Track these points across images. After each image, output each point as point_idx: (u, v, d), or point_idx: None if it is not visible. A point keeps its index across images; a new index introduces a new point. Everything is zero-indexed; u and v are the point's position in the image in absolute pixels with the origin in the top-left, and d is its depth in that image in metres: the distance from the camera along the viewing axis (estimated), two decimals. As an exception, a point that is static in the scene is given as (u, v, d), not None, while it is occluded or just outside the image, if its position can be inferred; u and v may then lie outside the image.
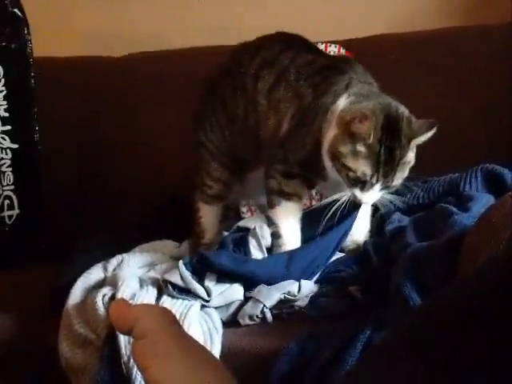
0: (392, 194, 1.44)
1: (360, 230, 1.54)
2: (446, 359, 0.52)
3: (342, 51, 2.05)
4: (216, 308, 1.34)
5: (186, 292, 1.32)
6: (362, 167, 1.36)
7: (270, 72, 1.55)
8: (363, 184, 1.38)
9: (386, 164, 1.36)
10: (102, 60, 2.25)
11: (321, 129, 1.43)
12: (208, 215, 1.65)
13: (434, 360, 0.53)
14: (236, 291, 1.35)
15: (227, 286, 1.35)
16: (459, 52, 1.98)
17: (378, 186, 1.38)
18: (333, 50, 2.04)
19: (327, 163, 1.41)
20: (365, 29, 2.11)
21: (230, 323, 1.32)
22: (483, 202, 1.39)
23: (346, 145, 1.37)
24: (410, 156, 1.40)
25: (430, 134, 1.40)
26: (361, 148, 1.36)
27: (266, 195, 1.54)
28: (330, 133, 1.40)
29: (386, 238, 1.42)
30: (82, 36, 2.45)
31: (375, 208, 1.56)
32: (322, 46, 2.04)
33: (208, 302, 1.33)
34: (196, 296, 1.32)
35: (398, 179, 1.39)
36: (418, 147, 1.43)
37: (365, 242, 1.50)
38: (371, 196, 1.39)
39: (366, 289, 1.31)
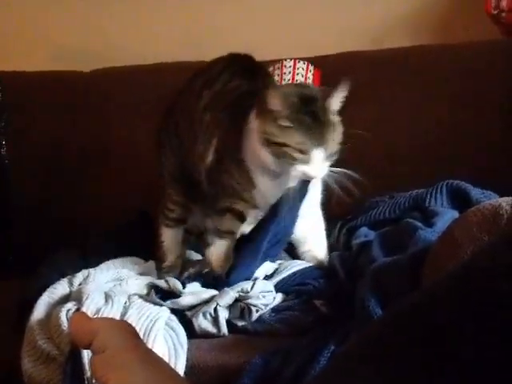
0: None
1: (318, 246, 1.57)
2: (403, 369, 0.53)
3: (311, 68, 2.06)
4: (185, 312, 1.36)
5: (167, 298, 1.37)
6: (295, 138, 1.37)
7: (208, 93, 1.58)
8: (306, 158, 1.38)
9: (313, 128, 1.38)
10: (73, 74, 2.24)
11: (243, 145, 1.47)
12: (169, 239, 1.66)
13: (391, 370, 0.53)
14: (207, 293, 1.39)
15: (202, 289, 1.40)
16: (432, 69, 1.99)
17: (319, 155, 1.38)
18: (301, 66, 2.06)
19: (265, 157, 1.42)
20: (333, 46, 2.13)
21: (195, 338, 1.32)
22: (448, 217, 1.41)
23: (270, 124, 1.39)
24: (335, 119, 1.42)
25: (342, 93, 1.42)
26: (284, 122, 1.38)
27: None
28: (254, 126, 1.43)
29: (353, 252, 1.43)
30: (53, 50, 2.44)
31: (342, 224, 1.57)
32: (290, 63, 2.06)
33: (180, 296, 1.36)
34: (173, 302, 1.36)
35: (334, 142, 1.40)
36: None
37: (331, 256, 1.51)
38: (318, 168, 1.39)
39: (331, 303, 1.32)
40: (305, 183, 1.47)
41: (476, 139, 1.87)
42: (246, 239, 1.53)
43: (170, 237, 1.66)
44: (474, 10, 2.17)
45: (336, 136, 1.41)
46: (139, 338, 0.70)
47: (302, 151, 1.37)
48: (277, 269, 1.52)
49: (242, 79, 1.59)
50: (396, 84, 2.01)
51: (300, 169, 1.39)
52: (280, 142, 1.38)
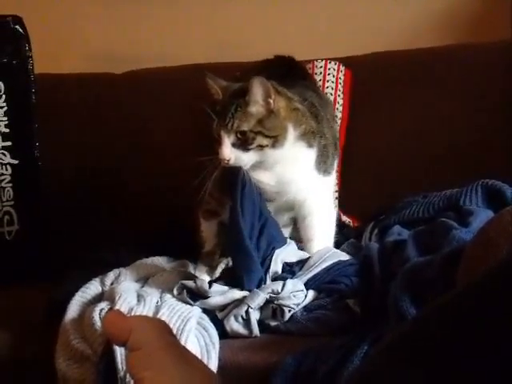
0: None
1: (317, 241, 1.57)
2: (438, 368, 0.52)
3: (342, 68, 2.06)
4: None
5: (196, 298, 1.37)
6: (213, 114, 1.46)
7: None
8: (219, 141, 1.45)
9: (222, 111, 1.45)
10: (105, 77, 2.26)
11: None
12: (206, 229, 1.67)
13: (426, 369, 0.53)
14: (236, 294, 1.38)
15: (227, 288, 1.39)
16: (460, 69, 1.98)
17: (225, 138, 1.44)
18: (332, 66, 2.05)
19: None
20: (365, 46, 2.12)
21: (227, 338, 1.32)
22: (483, 217, 1.39)
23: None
24: (253, 109, 1.44)
25: (253, 89, 1.43)
26: (216, 107, 1.48)
27: None
28: None
29: (387, 250, 1.42)
30: (85, 53, 2.47)
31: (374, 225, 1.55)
32: (321, 63, 2.05)
33: (208, 297, 1.36)
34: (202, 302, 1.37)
35: (239, 126, 1.43)
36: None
37: (369, 249, 1.48)
38: (225, 149, 1.43)
39: (364, 302, 1.30)
40: (233, 169, 1.48)
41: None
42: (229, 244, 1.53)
43: (206, 228, 1.67)
44: (505, 9, 2.15)
45: (245, 124, 1.44)
46: (174, 336, 0.70)
47: (216, 135, 1.45)
48: (304, 260, 1.50)
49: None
50: (425, 83, 2.00)
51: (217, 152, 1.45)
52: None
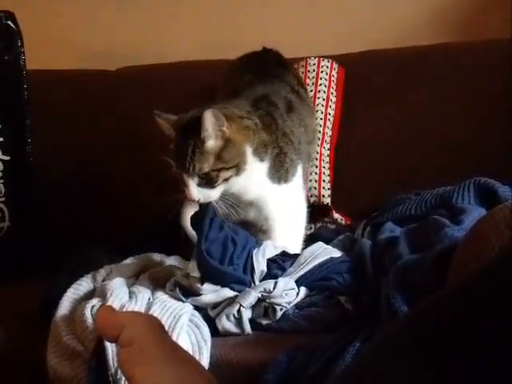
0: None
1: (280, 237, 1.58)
2: (429, 365, 0.52)
3: (335, 66, 2.06)
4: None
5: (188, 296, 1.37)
6: (171, 160, 1.44)
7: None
8: (181, 179, 1.44)
9: (179, 154, 1.43)
10: (98, 73, 2.26)
11: None
12: None
13: (417, 367, 0.53)
14: (228, 292, 1.38)
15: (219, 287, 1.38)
16: (457, 67, 1.98)
17: (189, 181, 1.42)
18: (325, 64, 2.05)
19: None
20: (358, 44, 2.12)
21: (219, 335, 1.32)
22: (475, 215, 1.39)
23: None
24: (210, 145, 1.42)
25: (206, 124, 1.41)
26: (171, 145, 1.46)
27: None
28: None
29: (380, 247, 1.42)
30: (78, 49, 2.46)
31: (366, 222, 1.55)
32: (315, 61, 2.05)
33: (200, 295, 1.35)
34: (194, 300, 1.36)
35: (201, 168, 1.42)
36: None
37: (361, 245, 1.47)
38: (192, 191, 1.42)
39: (356, 299, 1.31)
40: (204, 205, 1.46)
41: (506, 137, 1.86)
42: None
43: None
44: (497, 8, 2.15)
45: (206, 164, 1.42)
46: (166, 332, 0.70)
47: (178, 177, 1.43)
48: (291, 256, 1.49)
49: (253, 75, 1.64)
50: (419, 81, 2.00)
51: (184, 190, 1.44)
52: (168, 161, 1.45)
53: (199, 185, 1.43)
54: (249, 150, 1.48)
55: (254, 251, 1.46)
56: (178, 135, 1.46)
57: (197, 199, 1.43)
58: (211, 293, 1.37)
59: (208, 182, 1.43)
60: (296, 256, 1.49)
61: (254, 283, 1.41)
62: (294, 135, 1.59)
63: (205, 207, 1.43)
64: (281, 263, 1.46)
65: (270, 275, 1.43)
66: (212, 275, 1.39)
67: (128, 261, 1.58)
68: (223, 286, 1.38)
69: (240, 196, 1.51)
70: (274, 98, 1.60)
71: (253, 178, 1.50)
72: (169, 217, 1.47)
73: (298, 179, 1.60)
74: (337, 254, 1.48)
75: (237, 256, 1.42)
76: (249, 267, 1.43)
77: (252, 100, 1.57)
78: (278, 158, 1.54)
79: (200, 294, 1.37)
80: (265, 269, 1.44)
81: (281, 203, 1.56)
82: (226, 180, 1.45)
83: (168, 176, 1.45)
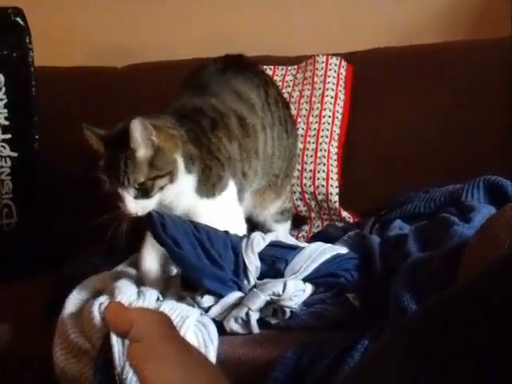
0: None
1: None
2: (436, 363, 0.52)
3: (343, 63, 2.05)
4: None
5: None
6: (103, 176, 1.42)
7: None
8: (116, 194, 1.41)
9: (111, 169, 1.41)
10: (104, 70, 2.26)
11: None
12: None
13: (425, 364, 0.52)
14: (229, 298, 1.36)
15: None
16: (461, 65, 1.98)
17: (125, 194, 1.40)
18: (334, 62, 2.04)
19: None
20: (367, 42, 2.12)
21: (226, 333, 1.31)
22: (484, 213, 1.38)
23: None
24: (141, 154, 1.40)
25: (134, 133, 1.39)
26: (100, 161, 1.43)
27: None
28: None
29: (389, 244, 1.41)
30: (85, 46, 2.46)
31: (374, 220, 1.55)
32: (323, 58, 2.04)
33: (207, 312, 1.34)
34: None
35: (136, 179, 1.40)
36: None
37: (371, 242, 1.45)
38: (128, 204, 1.40)
39: (364, 297, 1.30)
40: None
41: (509, 136, 1.85)
42: None
43: None
44: (506, 7, 2.14)
45: (140, 174, 1.40)
46: (175, 328, 0.70)
47: (112, 193, 1.41)
48: (290, 247, 1.47)
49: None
50: (427, 79, 2.00)
51: (120, 206, 1.41)
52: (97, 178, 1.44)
53: (136, 197, 1.41)
54: (179, 159, 1.47)
55: (243, 249, 1.44)
56: (107, 149, 1.44)
57: (135, 213, 1.41)
58: (212, 303, 1.35)
59: (144, 192, 1.41)
60: (294, 247, 1.46)
61: (249, 281, 1.39)
62: (221, 152, 1.56)
63: (149, 218, 1.41)
64: (280, 256, 1.43)
65: (272, 271, 1.40)
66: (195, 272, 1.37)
67: (133, 259, 1.57)
68: (207, 279, 1.36)
69: (172, 209, 1.49)
70: (199, 116, 1.57)
71: (183, 190, 1.49)
72: (110, 235, 1.44)
73: (228, 194, 1.57)
74: (343, 250, 1.46)
75: (222, 257, 1.40)
76: (241, 266, 1.41)
77: (177, 116, 1.55)
78: (204, 173, 1.52)
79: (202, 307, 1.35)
80: (258, 264, 1.41)
81: (210, 218, 1.52)
82: (162, 188, 1.43)
83: (102, 194, 1.43)
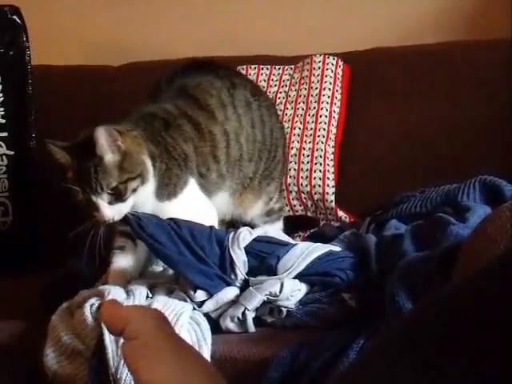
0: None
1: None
2: (431, 363, 0.52)
3: (340, 63, 2.05)
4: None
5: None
6: (75, 187, 1.42)
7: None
8: (90, 203, 1.42)
9: (82, 178, 1.42)
10: (102, 69, 2.26)
11: None
12: None
13: (419, 364, 0.52)
14: (225, 295, 1.35)
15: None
16: (460, 66, 1.98)
17: (99, 201, 1.41)
18: (331, 61, 2.05)
19: None
20: (364, 41, 2.12)
21: (221, 331, 1.32)
22: (480, 213, 1.38)
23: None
24: (108, 159, 1.41)
25: (100, 140, 1.40)
26: (69, 173, 1.45)
27: None
28: None
29: (384, 244, 1.41)
30: (82, 45, 2.46)
31: (370, 220, 1.54)
32: (320, 58, 2.05)
33: (201, 306, 1.33)
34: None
35: (108, 184, 1.41)
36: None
37: (367, 241, 1.45)
38: (103, 211, 1.41)
39: (360, 296, 1.30)
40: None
41: (508, 136, 1.86)
42: None
43: None
44: (505, 7, 2.14)
45: (111, 179, 1.41)
46: (170, 326, 0.70)
47: (86, 201, 1.42)
48: (280, 242, 1.46)
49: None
50: (423, 79, 2.00)
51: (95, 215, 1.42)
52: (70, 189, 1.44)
53: (110, 202, 1.42)
54: (146, 159, 1.48)
55: (229, 243, 1.43)
56: (75, 160, 1.44)
57: (111, 218, 1.42)
58: (206, 297, 1.34)
59: (118, 196, 1.42)
60: (284, 243, 1.46)
61: (236, 276, 1.38)
62: (177, 151, 1.56)
63: (126, 220, 1.42)
64: (269, 251, 1.42)
65: (264, 266, 1.39)
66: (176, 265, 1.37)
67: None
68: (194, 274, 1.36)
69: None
70: (151, 119, 1.58)
71: (147, 193, 1.50)
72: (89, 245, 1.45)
73: (189, 190, 1.57)
74: (336, 248, 1.45)
75: (207, 252, 1.39)
76: (227, 261, 1.40)
77: (134, 118, 1.57)
78: (165, 175, 1.53)
79: (195, 302, 1.34)
80: (245, 258, 1.40)
81: (178, 216, 1.50)
82: (135, 190, 1.44)
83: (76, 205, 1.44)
